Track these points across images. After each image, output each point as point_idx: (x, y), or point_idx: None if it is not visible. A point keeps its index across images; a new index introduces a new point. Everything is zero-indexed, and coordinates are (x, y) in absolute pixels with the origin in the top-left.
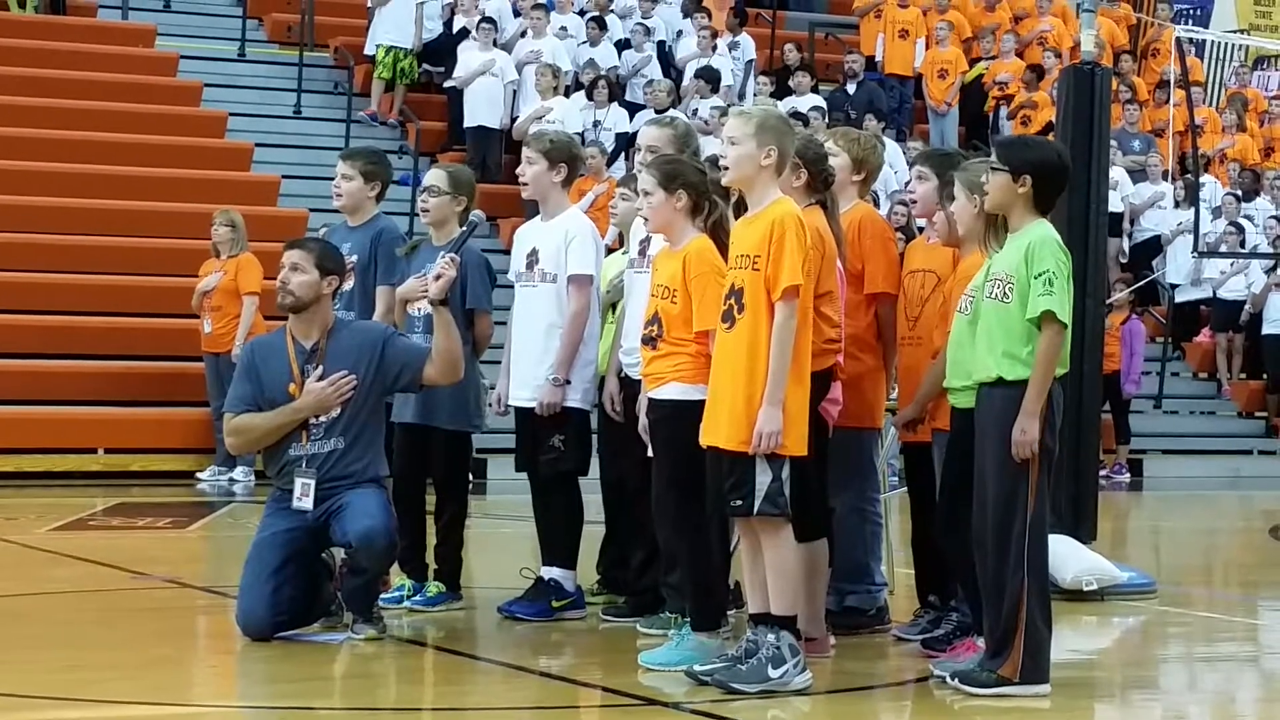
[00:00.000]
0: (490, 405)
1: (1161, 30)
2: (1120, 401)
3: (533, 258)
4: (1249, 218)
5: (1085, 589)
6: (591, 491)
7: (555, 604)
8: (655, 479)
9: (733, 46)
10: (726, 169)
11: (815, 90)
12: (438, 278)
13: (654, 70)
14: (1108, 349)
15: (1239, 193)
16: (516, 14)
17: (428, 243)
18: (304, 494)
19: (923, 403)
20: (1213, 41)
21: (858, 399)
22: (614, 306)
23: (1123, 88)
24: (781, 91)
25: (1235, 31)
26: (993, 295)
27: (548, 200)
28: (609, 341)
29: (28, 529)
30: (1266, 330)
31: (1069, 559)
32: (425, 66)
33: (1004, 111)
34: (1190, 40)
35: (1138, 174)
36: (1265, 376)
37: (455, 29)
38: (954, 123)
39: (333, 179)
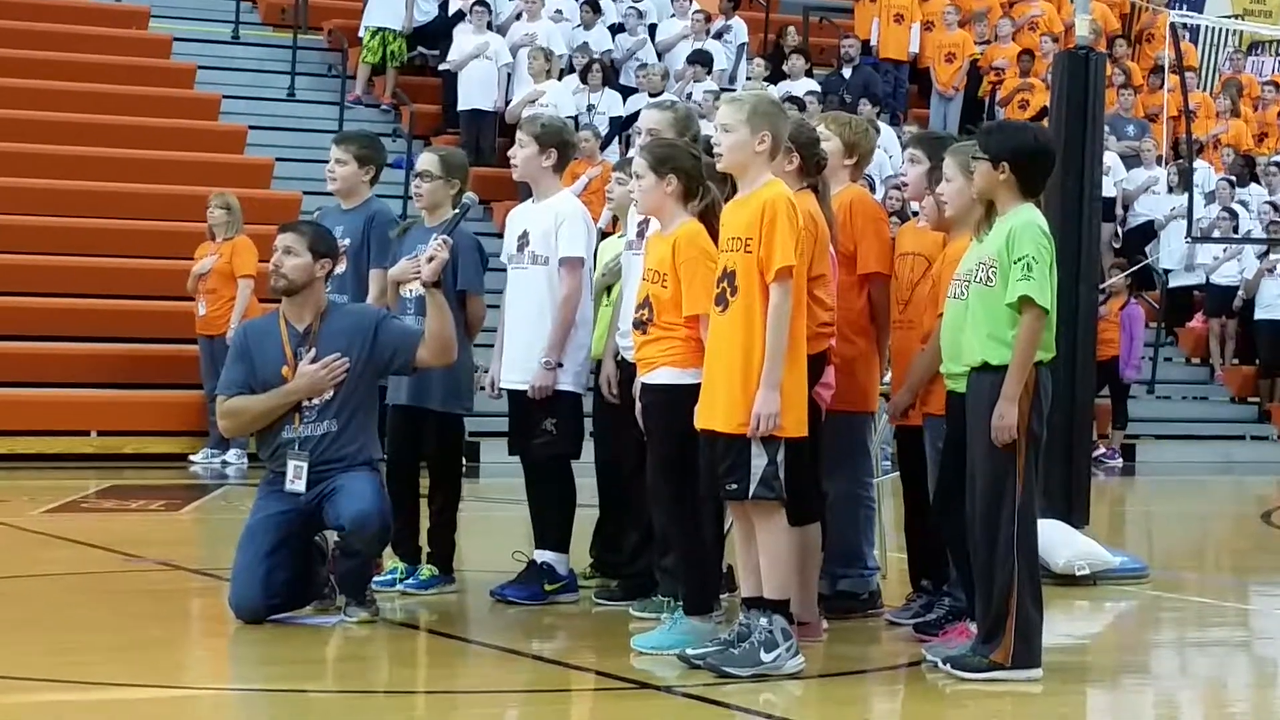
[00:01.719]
0: (483, 388)
1: (1156, 15)
2: (1120, 386)
3: (524, 240)
4: (1243, 203)
5: (1077, 574)
6: (586, 475)
7: (548, 587)
8: (649, 463)
9: (725, 30)
10: (720, 155)
11: (809, 74)
12: (430, 259)
13: (648, 54)
14: (1107, 334)
15: (1233, 178)
16: None
17: (420, 225)
18: (297, 477)
19: (915, 389)
20: (1207, 27)
21: (850, 382)
22: (609, 289)
23: (1117, 72)
24: (776, 76)
25: (1229, 17)
26: (979, 279)
27: (538, 183)
28: (605, 324)
29: (20, 511)
30: (1259, 315)
31: (1061, 544)
32: (420, 49)
33: (998, 96)
34: (1185, 25)
35: (1131, 159)
36: (1258, 362)
37: (450, 11)
38: (958, 107)
39: (326, 162)
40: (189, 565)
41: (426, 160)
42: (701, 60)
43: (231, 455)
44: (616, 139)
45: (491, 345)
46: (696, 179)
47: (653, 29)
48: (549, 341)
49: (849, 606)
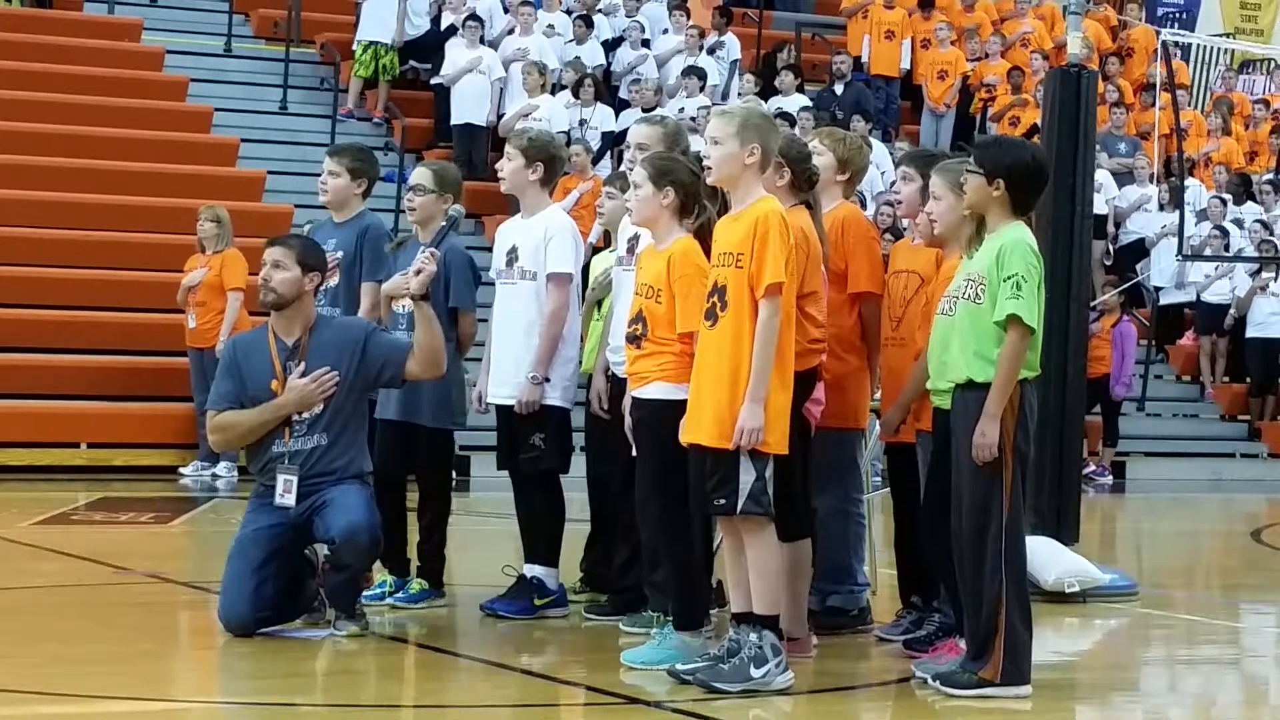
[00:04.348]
0: (471, 403)
1: (1131, 29)
2: (1110, 404)
3: (512, 255)
4: (1237, 221)
5: (1067, 591)
6: (576, 489)
7: (537, 602)
8: (639, 478)
9: (717, 46)
10: (710, 169)
11: (801, 90)
12: (418, 272)
13: (650, 69)
14: (1098, 351)
15: (1225, 196)
16: (505, 11)
17: (414, 239)
18: (286, 490)
19: (905, 406)
20: (1198, 45)
21: (841, 399)
22: (600, 304)
23: (1109, 89)
24: (769, 92)
25: (1221, 35)
26: (966, 296)
27: (525, 197)
28: (596, 339)
29: (10, 523)
30: (1250, 334)
31: (1051, 561)
32: (412, 63)
33: (989, 113)
34: (1176, 44)
35: (1123, 177)
36: (1248, 380)
37: (442, 26)
38: (950, 124)
39: (318, 175)
40: (178, 578)
41: (420, 174)
42: (695, 75)
43: (221, 468)
44: (609, 154)
45: (480, 360)
46: (694, 196)
47: (646, 44)
48: (536, 357)
49: (839, 622)
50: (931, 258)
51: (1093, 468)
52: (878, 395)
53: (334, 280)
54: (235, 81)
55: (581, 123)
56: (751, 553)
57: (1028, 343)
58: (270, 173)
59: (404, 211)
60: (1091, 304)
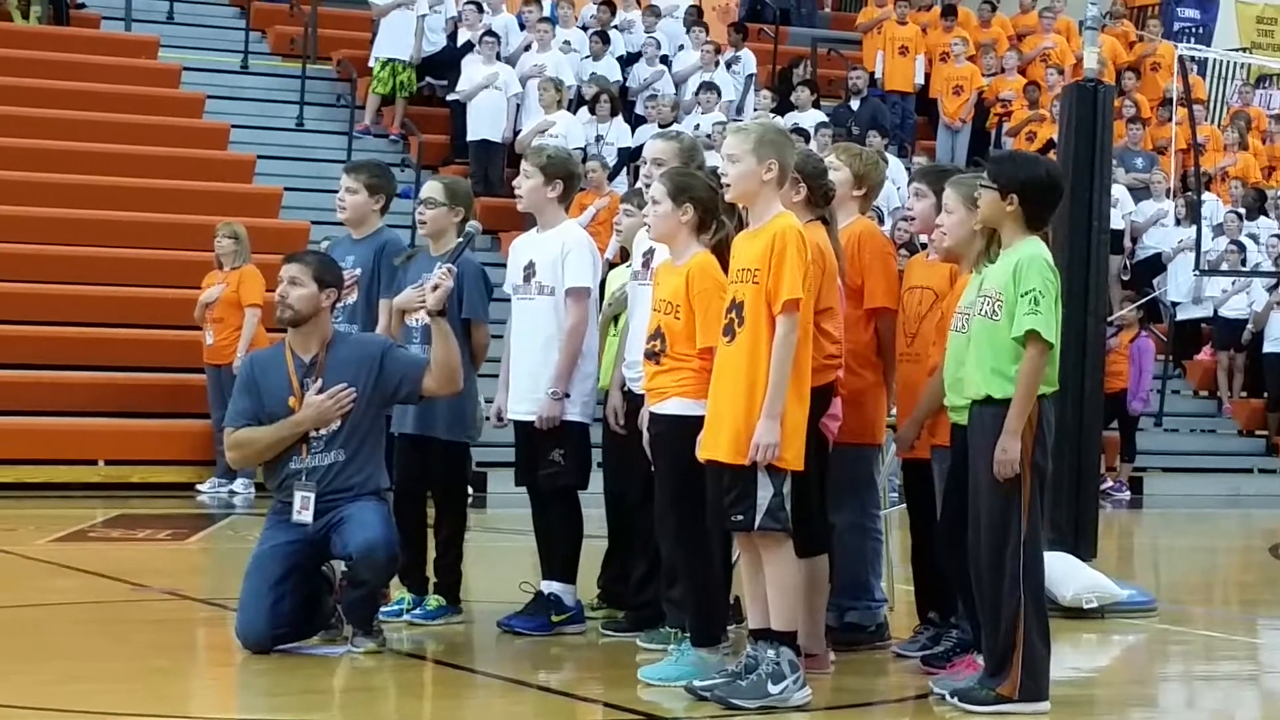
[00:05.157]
0: (488, 419)
1: (1154, 45)
2: (1127, 419)
3: (530, 270)
4: (1253, 236)
5: (1085, 607)
6: (593, 505)
7: (555, 618)
8: (657, 493)
9: (734, 61)
10: (728, 186)
11: (817, 106)
12: (435, 288)
13: (666, 84)
14: (1116, 367)
15: (1241, 211)
16: (522, 27)
17: (425, 253)
18: (304, 507)
19: (920, 422)
20: (1215, 60)
21: (858, 415)
22: (617, 319)
23: (1126, 104)
24: (784, 107)
25: (1237, 50)
26: (983, 312)
27: (543, 214)
28: (612, 355)
29: (27, 540)
30: (1268, 348)
31: (1069, 577)
32: (428, 79)
33: (1005, 128)
34: (1193, 59)
35: (1140, 191)
36: (1266, 395)
37: (459, 42)
38: (965, 139)
39: (334, 191)
40: (196, 595)
41: (430, 188)
42: (711, 90)
43: (239, 485)
44: (625, 170)
45: (496, 375)
46: (712, 211)
47: (664, 59)
48: (555, 372)
49: (856, 638)
50: (946, 273)
51: (1110, 483)
52: (894, 411)
53: (352, 297)
54: (252, 98)
55: (598, 138)
56: (769, 568)
57: (1046, 358)
58: (287, 189)
59: (419, 227)
60: (1108, 319)
